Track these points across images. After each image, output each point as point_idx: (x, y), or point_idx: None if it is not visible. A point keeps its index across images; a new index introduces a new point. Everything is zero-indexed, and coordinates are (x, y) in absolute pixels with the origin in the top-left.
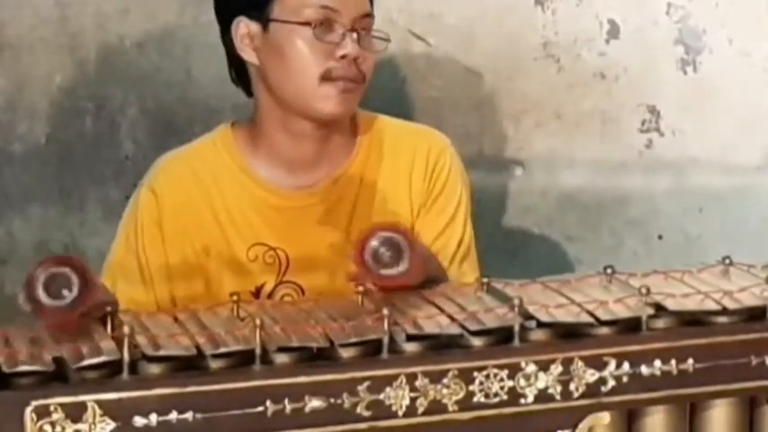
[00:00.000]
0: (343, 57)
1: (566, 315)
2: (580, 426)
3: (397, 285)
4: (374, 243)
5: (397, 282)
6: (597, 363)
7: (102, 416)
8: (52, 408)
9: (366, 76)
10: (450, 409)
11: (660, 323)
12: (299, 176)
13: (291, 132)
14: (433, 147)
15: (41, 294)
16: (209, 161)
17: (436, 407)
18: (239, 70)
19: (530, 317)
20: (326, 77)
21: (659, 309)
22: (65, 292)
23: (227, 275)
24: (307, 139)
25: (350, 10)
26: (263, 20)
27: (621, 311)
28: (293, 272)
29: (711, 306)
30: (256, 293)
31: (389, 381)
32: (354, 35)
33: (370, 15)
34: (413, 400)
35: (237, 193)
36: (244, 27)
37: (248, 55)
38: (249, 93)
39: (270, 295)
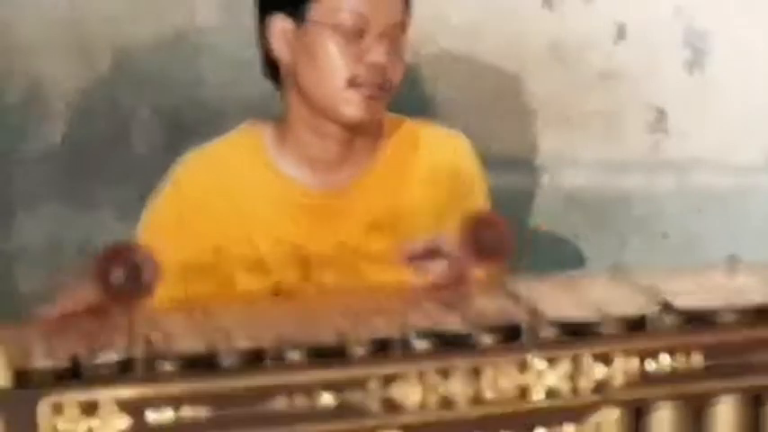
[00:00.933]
0: (371, 64)
1: (574, 313)
2: (589, 422)
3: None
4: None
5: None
6: (605, 359)
7: (116, 412)
8: (66, 404)
9: (393, 83)
10: (460, 405)
11: (667, 321)
12: (325, 175)
13: (318, 132)
14: (459, 150)
15: (119, 277)
16: (235, 157)
17: (446, 403)
18: (272, 65)
19: (538, 315)
20: (352, 82)
21: (666, 306)
22: (134, 277)
23: (248, 271)
24: (333, 140)
25: (383, 18)
26: (299, 18)
27: (629, 309)
28: (314, 270)
29: (719, 303)
30: (277, 290)
31: (400, 377)
32: (385, 43)
33: (402, 24)
34: (423, 396)
35: (261, 189)
36: (280, 23)
37: (281, 51)
38: (279, 86)
39: (290, 292)
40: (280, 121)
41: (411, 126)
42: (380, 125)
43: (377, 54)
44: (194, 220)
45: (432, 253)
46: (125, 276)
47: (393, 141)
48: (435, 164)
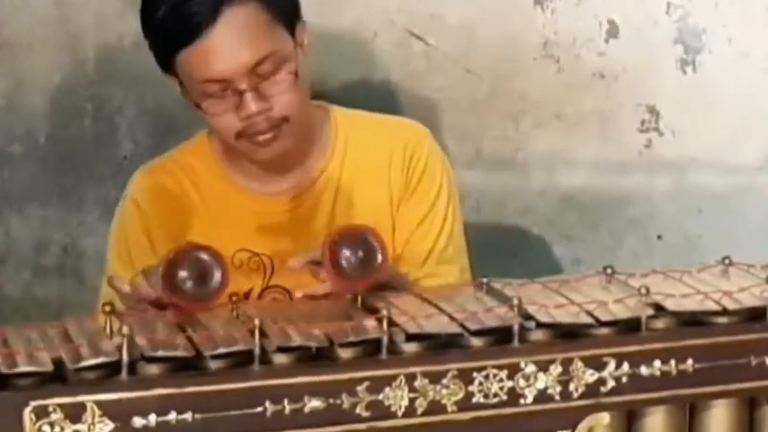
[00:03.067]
0: (245, 117)
1: (565, 315)
2: (580, 426)
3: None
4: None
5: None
6: (597, 363)
7: (101, 416)
8: (51, 408)
9: (286, 114)
10: (450, 409)
11: (660, 323)
12: (276, 183)
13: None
14: (410, 139)
15: (184, 280)
16: (189, 169)
17: (435, 407)
18: None
19: (529, 317)
20: (239, 136)
21: (659, 309)
22: (203, 280)
23: None
24: (274, 159)
25: (238, 69)
26: (179, 81)
27: (621, 312)
28: (279, 276)
29: (711, 306)
30: (244, 299)
31: (389, 381)
32: (253, 91)
33: (267, 56)
34: (412, 400)
35: (218, 200)
36: (172, 76)
37: (187, 99)
38: None
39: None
40: None
41: (360, 119)
42: (329, 122)
43: (248, 106)
44: (160, 235)
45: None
46: (193, 280)
47: (342, 137)
48: (388, 155)
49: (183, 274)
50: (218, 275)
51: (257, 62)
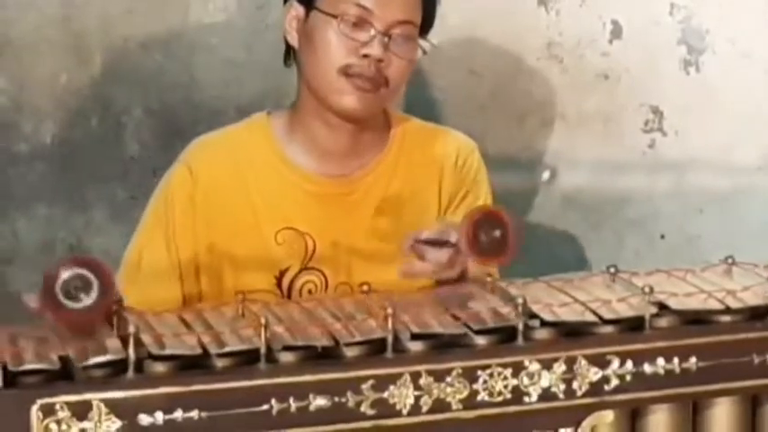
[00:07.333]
0: (365, 56)
1: (569, 314)
2: (583, 424)
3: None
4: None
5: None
6: (600, 361)
7: (107, 414)
8: (58, 406)
9: (390, 80)
10: (454, 407)
11: (663, 322)
12: (333, 165)
13: (326, 123)
14: (463, 148)
15: (59, 294)
16: (245, 145)
17: (440, 405)
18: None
19: (533, 316)
20: (344, 72)
21: (662, 308)
22: (82, 295)
23: (254, 257)
24: (341, 131)
25: (386, 14)
26: (309, 6)
27: (624, 310)
28: (318, 258)
29: (714, 305)
30: (280, 277)
31: (393, 379)
32: (385, 39)
33: (410, 23)
34: (417, 398)
35: (271, 177)
36: (293, 10)
37: (292, 38)
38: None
39: (293, 280)
40: (292, 111)
41: (416, 123)
42: (387, 120)
43: (373, 48)
44: (204, 202)
45: (438, 243)
46: (67, 292)
47: (399, 136)
48: (441, 160)
49: (61, 286)
50: (95, 293)
51: (410, 20)
